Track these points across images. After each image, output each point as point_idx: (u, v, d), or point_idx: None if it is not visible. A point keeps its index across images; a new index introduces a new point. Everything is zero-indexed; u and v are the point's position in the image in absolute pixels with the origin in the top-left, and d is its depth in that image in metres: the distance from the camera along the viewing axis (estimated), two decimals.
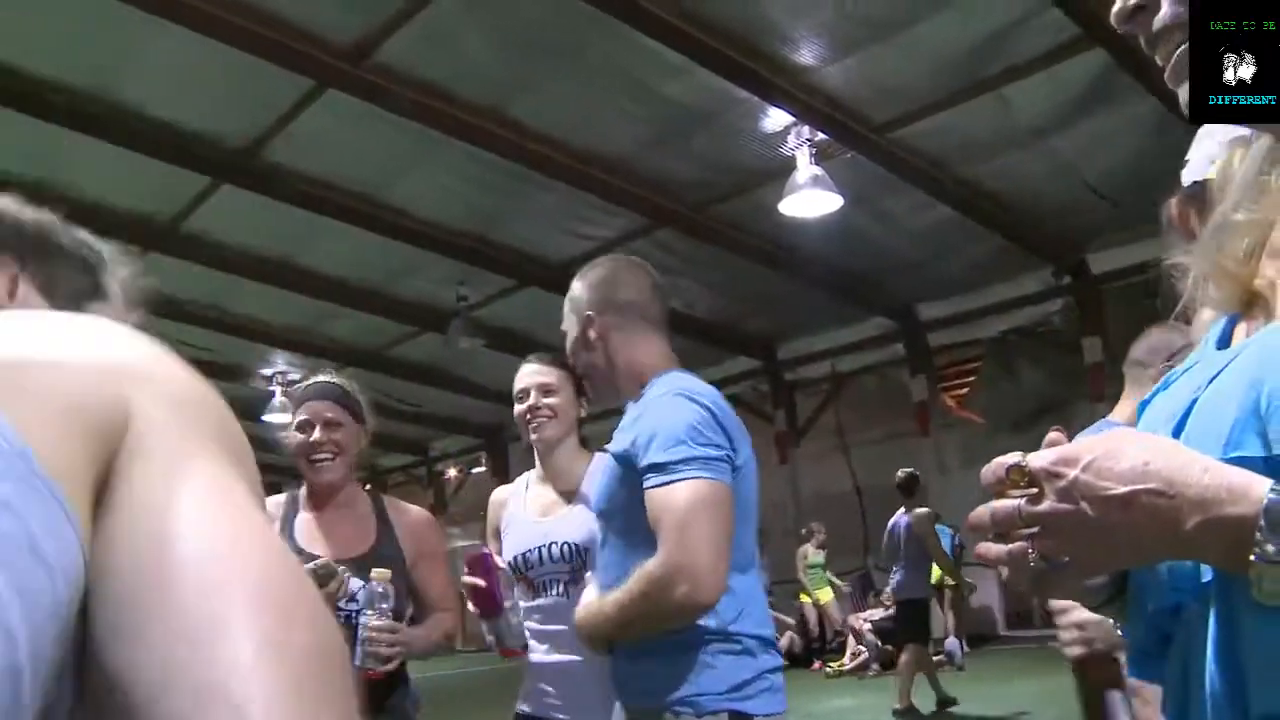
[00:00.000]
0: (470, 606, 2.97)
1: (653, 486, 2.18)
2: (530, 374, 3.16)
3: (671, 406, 2.26)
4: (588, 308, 2.49)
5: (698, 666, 2.21)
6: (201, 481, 0.69)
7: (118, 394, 0.70)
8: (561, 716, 3.03)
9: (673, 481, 2.16)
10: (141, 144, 9.28)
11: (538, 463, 3.23)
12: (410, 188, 10.44)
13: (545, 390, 3.11)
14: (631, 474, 2.26)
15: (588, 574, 2.60)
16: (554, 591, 3.03)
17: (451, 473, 23.51)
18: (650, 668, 2.27)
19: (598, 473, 3.12)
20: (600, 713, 2.91)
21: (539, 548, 3.06)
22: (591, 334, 2.47)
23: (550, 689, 3.05)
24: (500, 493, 3.37)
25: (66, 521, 0.63)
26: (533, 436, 3.14)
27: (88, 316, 0.81)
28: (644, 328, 2.50)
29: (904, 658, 9.30)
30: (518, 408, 3.15)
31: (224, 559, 0.66)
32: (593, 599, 2.39)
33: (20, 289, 1.06)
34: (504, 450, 20.47)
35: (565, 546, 3.03)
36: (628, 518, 2.27)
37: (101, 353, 0.73)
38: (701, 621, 2.20)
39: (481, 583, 2.90)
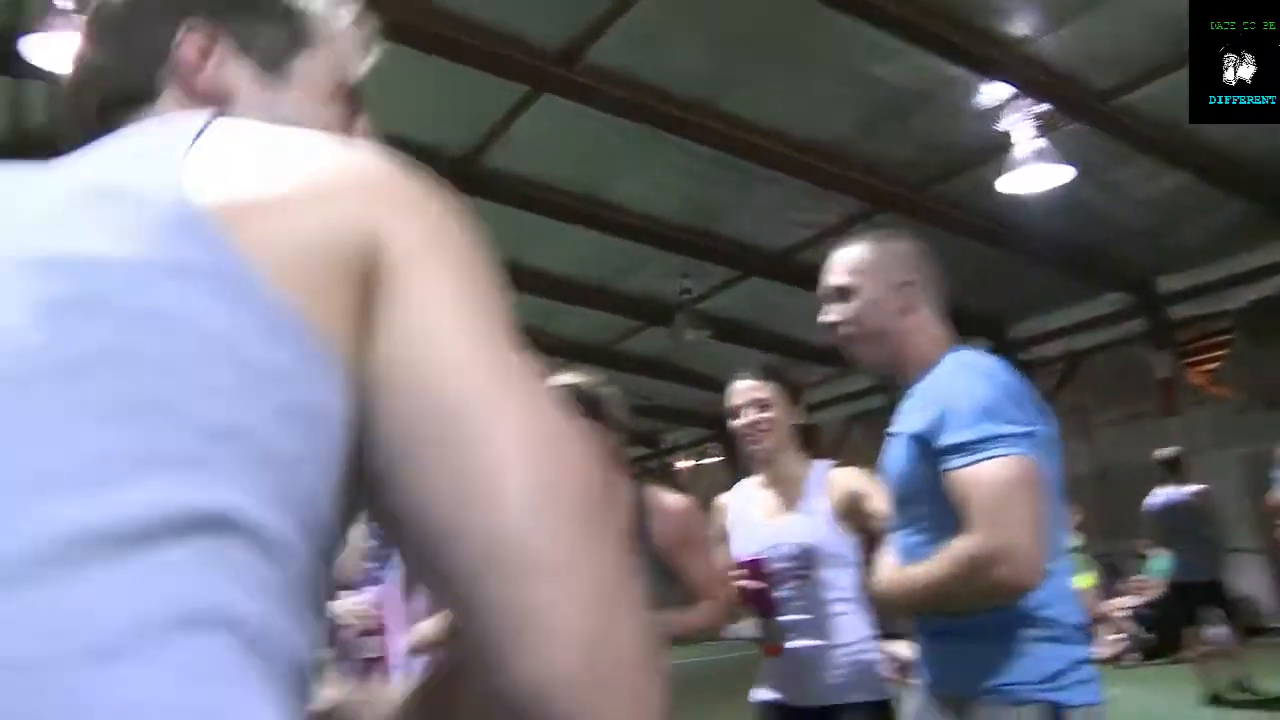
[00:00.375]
0: (746, 607, 3.12)
1: (957, 467, 2.10)
2: (744, 391, 3.29)
3: (967, 383, 2.19)
4: (907, 274, 2.41)
5: (1011, 653, 2.13)
6: (459, 318, 0.70)
7: (368, 226, 0.70)
8: (799, 702, 3.13)
9: (978, 461, 2.07)
10: None
11: (759, 471, 3.35)
12: (628, 185, 10.62)
13: (760, 405, 3.25)
14: (929, 455, 2.18)
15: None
16: (786, 587, 3.17)
17: (684, 464, 23.69)
18: (961, 652, 2.21)
19: (817, 480, 3.24)
20: (835, 695, 3.03)
21: (770, 547, 3.22)
22: (902, 301, 2.39)
23: (788, 675, 3.20)
24: (722, 499, 3.57)
25: (335, 370, 0.66)
26: (753, 449, 3.26)
27: (321, 135, 0.80)
28: (939, 306, 2.46)
29: (1207, 646, 8.83)
30: (736, 423, 3.27)
31: (494, 400, 0.68)
32: (893, 568, 2.34)
33: (216, 50, 0.96)
34: (735, 440, 20.39)
35: (795, 546, 3.18)
36: (932, 501, 2.19)
37: (343, 180, 0.73)
38: (1016, 606, 2.12)
39: (760, 584, 3.05)
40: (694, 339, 13.17)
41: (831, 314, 2.45)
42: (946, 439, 2.12)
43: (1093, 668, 2.19)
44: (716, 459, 21.71)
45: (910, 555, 2.29)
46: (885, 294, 2.39)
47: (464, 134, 9.75)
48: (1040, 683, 2.10)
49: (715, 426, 20.42)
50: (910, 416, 2.28)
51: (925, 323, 2.41)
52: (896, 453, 2.33)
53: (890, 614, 2.47)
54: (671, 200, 10.94)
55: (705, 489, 21.18)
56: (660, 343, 14.83)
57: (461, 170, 10.17)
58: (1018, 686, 2.11)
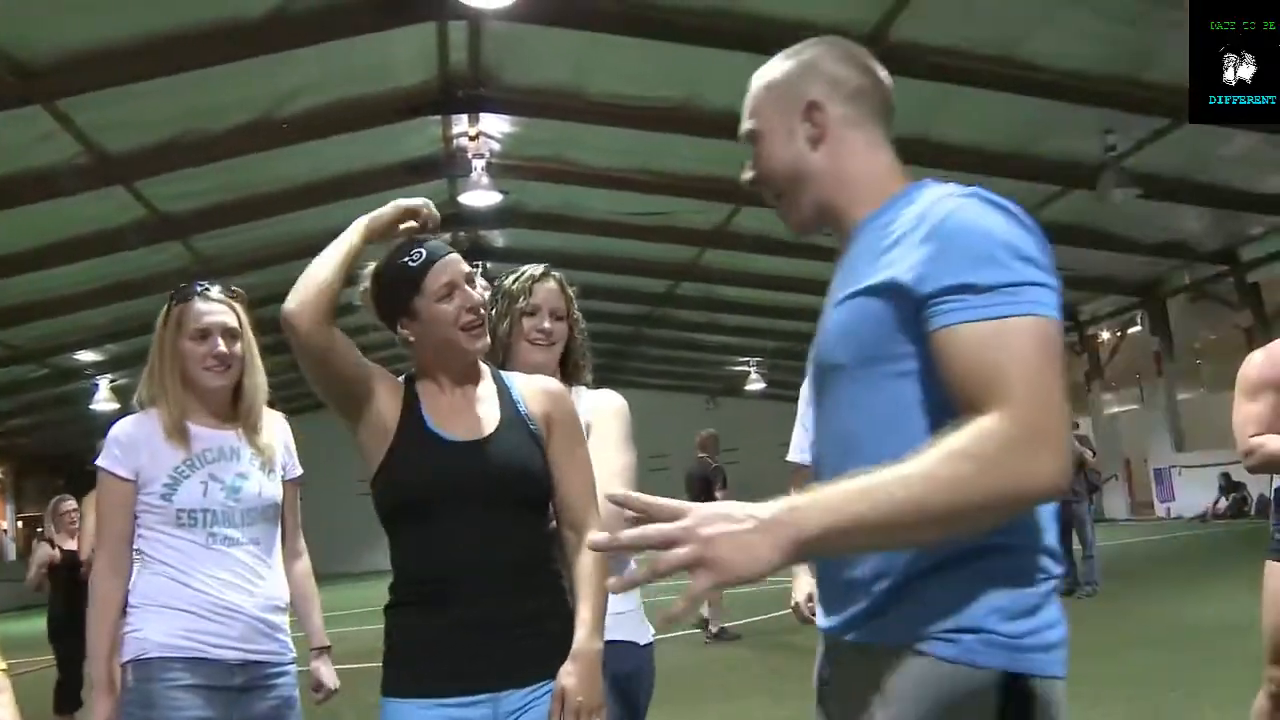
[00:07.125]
0: None
1: (971, 320, 1.52)
2: None
3: (979, 213, 1.61)
4: (808, 94, 1.85)
5: (961, 591, 1.58)
6: None
7: None
8: None
9: (1011, 314, 1.52)
10: (770, 46, 9.70)
11: None
12: (1046, 39, 9.99)
13: None
14: (907, 310, 1.60)
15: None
16: None
17: (1104, 336, 22.70)
18: (890, 589, 1.63)
19: None
20: None
21: None
22: (810, 130, 1.83)
23: None
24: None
25: None
26: None
27: None
28: (879, 130, 1.90)
29: None
30: None
31: None
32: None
33: None
34: (1163, 306, 19.29)
35: None
36: (895, 380, 1.64)
37: None
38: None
39: None
40: (1122, 199, 12.25)
41: (745, 170, 1.91)
42: (951, 278, 1.55)
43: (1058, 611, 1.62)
44: (1140, 328, 20.63)
45: (849, 445, 1.68)
46: (785, 128, 1.84)
47: (865, 12, 9.63)
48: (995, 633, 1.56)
49: (1140, 293, 19.23)
50: (869, 266, 1.68)
51: (855, 151, 1.84)
52: (841, 320, 1.72)
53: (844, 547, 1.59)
54: (1097, 49, 10.15)
55: (1128, 361, 20.33)
56: (1077, 207, 14.00)
57: (870, 47, 9.96)
58: (963, 636, 1.57)
